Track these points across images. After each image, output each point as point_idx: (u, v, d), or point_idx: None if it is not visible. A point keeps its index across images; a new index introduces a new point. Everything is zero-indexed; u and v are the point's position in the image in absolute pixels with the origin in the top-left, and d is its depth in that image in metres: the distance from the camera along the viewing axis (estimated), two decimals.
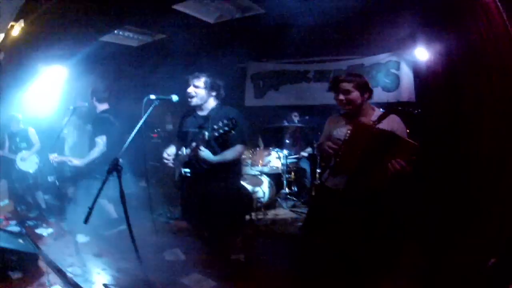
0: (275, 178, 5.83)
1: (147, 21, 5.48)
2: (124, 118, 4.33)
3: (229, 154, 3.08)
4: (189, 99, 3.17)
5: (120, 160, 2.55)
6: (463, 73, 3.87)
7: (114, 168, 2.52)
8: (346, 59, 6.83)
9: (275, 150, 5.88)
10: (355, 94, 2.66)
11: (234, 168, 3.41)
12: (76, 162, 4.22)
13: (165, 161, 3.30)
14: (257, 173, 5.59)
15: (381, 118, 2.67)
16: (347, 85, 2.67)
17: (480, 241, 2.83)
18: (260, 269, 3.40)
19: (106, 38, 5.86)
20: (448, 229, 3.43)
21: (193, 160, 3.06)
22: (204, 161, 2.94)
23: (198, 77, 3.17)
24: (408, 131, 2.71)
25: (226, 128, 2.67)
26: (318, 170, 5.66)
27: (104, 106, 4.37)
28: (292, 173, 6.07)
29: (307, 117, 6.39)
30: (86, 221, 2.42)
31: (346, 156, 2.57)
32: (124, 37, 6.05)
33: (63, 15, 4.42)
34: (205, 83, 3.16)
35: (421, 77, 5.78)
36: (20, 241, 3.44)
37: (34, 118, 5.51)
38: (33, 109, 5.51)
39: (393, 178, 2.41)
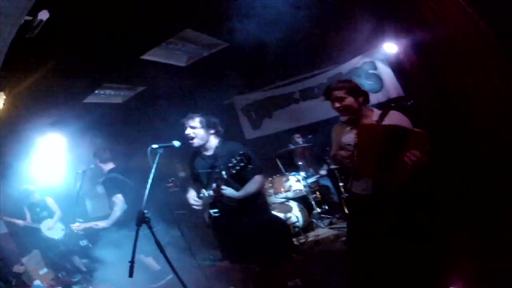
0: (302, 201, 5.83)
1: (122, 75, 5.59)
2: (132, 173, 4.52)
3: (251, 187, 3.08)
4: (190, 141, 3.20)
5: (145, 211, 2.56)
6: (438, 54, 4.15)
7: (142, 220, 2.54)
8: (325, 72, 6.99)
9: (292, 174, 5.92)
10: (349, 100, 2.74)
11: (259, 198, 3.38)
12: (102, 224, 4.33)
13: (194, 206, 3.28)
14: (283, 200, 5.67)
15: (382, 116, 2.73)
16: (339, 93, 2.77)
17: None
18: None
19: (92, 99, 5.94)
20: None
21: (218, 200, 3.07)
22: (229, 199, 2.95)
23: (192, 118, 3.21)
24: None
25: (242, 164, 2.73)
26: (341, 184, 5.60)
27: (109, 166, 4.51)
28: (317, 193, 6.10)
29: (309, 136, 6.49)
30: (131, 274, 2.39)
31: (362, 159, 2.61)
32: (107, 95, 6.15)
33: (44, 85, 4.51)
34: (201, 122, 3.20)
35: (399, 70, 5.94)
36: None
37: (47, 187, 5.60)
38: (43, 179, 5.54)
39: (414, 171, 2.40)
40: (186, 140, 3.21)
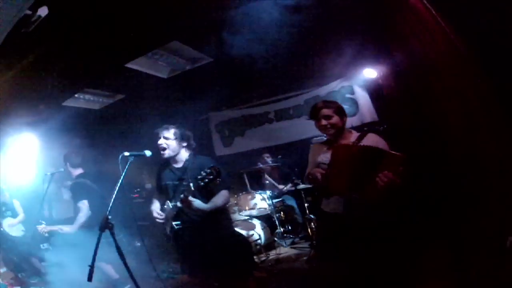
0: (266, 219, 5.83)
1: (105, 81, 5.53)
2: (101, 180, 4.54)
3: (218, 200, 3.08)
4: (162, 152, 3.19)
5: (110, 217, 2.53)
6: (415, 80, 4.17)
7: (106, 225, 2.49)
8: (302, 93, 7.01)
9: (258, 192, 5.91)
10: (336, 119, 2.80)
11: (223, 214, 3.39)
12: (67, 229, 4.25)
13: (158, 219, 3.24)
14: (246, 217, 5.61)
15: (360, 138, 2.76)
16: (327, 111, 2.81)
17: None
18: None
19: (70, 103, 5.86)
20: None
21: (183, 213, 3.07)
22: (197, 210, 2.93)
23: (167, 128, 3.22)
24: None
25: (211, 177, 2.74)
26: (306, 204, 5.65)
27: (78, 171, 4.51)
28: (282, 212, 6.03)
29: (279, 156, 6.40)
30: (89, 278, 2.36)
31: (335, 177, 2.61)
32: (86, 100, 6.08)
33: (23, 84, 4.43)
34: (175, 134, 3.21)
35: (377, 95, 6.04)
36: None
37: (15, 187, 5.49)
38: (13, 179, 5.43)
39: (385, 192, 2.40)
40: (157, 150, 3.22)
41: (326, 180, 2.68)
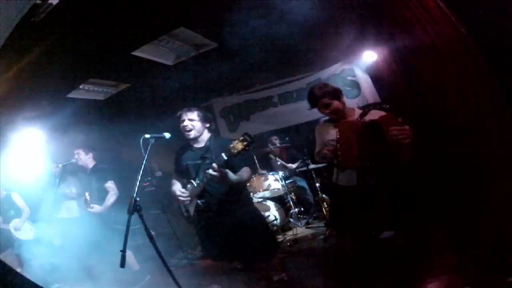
0: (278, 200, 5.90)
1: (111, 70, 5.47)
2: (118, 168, 4.66)
3: (244, 174, 3.11)
4: (187, 133, 3.24)
5: (137, 199, 2.46)
6: (416, 62, 4.24)
7: (134, 208, 2.42)
8: (304, 77, 7.13)
9: (271, 173, 6.01)
10: (336, 103, 2.94)
11: (246, 192, 3.48)
12: (98, 208, 4.38)
13: (181, 198, 3.23)
14: (260, 199, 5.69)
15: (363, 115, 2.86)
16: (325, 100, 2.93)
17: None
18: (306, 284, 3.49)
19: (75, 94, 5.80)
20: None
21: (207, 191, 3.12)
22: (227, 180, 2.91)
23: (191, 110, 3.27)
24: None
25: (246, 143, 2.68)
26: (317, 184, 5.84)
27: (91, 161, 4.72)
28: (293, 193, 6.12)
29: (287, 138, 6.58)
30: (122, 264, 2.29)
31: (344, 152, 2.75)
32: (90, 91, 6.01)
33: (31, 74, 4.37)
34: (199, 115, 3.26)
35: (378, 77, 6.12)
36: None
37: (18, 183, 5.16)
38: (16, 174, 5.09)
39: (407, 143, 2.50)
40: (182, 132, 3.27)
41: (337, 156, 2.82)
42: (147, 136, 2.88)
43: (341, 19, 4.90)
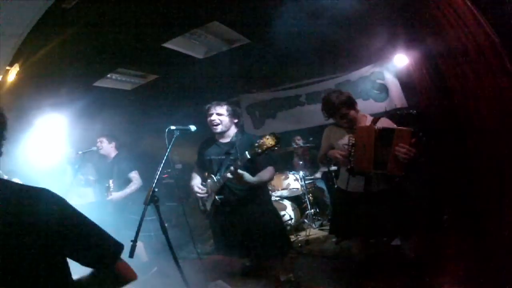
0: (295, 200, 5.86)
1: (141, 61, 5.54)
2: (140, 159, 4.65)
3: (265, 175, 3.09)
4: (214, 127, 3.22)
5: (156, 190, 2.41)
6: (447, 68, 4.12)
7: (152, 199, 2.36)
8: (333, 78, 7.04)
9: (292, 172, 6.00)
10: (352, 113, 3.01)
11: (266, 191, 3.48)
12: (117, 194, 4.36)
13: (198, 194, 3.28)
14: (277, 198, 5.66)
15: (374, 121, 3.03)
16: (344, 110, 2.98)
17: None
18: (313, 286, 3.48)
19: (102, 83, 5.89)
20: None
21: (226, 187, 3.10)
22: (244, 183, 2.90)
23: (220, 104, 3.23)
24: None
25: (271, 143, 2.63)
26: (336, 186, 5.69)
27: (114, 151, 4.72)
28: (311, 194, 6.10)
29: (311, 139, 6.49)
30: (131, 254, 2.19)
31: (360, 156, 2.85)
32: (117, 81, 6.08)
33: (59, 60, 4.43)
34: (228, 110, 3.23)
35: (407, 81, 5.97)
36: None
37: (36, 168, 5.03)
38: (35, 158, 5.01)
39: (405, 162, 2.64)
40: (209, 126, 3.26)
41: (349, 160, 2.90)
42: (172, 127, 2.83)
43: (373, 20, 4.81)
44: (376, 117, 3.08)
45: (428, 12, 3.93)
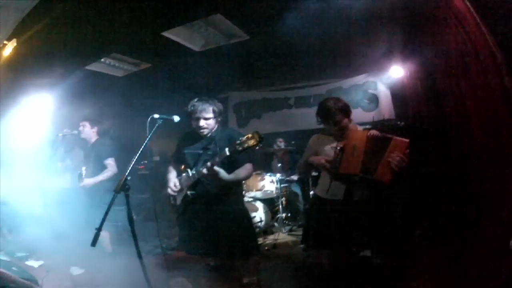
0: (268, 203, 5.76)
1: (138, 48, 5.45)
2: (121, 148, 4.54)
3: (241, 173, 2.99)
4: (201, 131, 3.05)
5: (129, 178, 2.36)
6: (443, 83, 4.06)
7: (123, 187, 2.31)
8: (325, 83, 7.00)
9: (268, 174, 5.89)
10: (345, 121, 2.89)
11: (239, 190, 3.38)
12: (89, 181, 4.18)
13: (170, 190, 3.16)
14: (250, 199, 5.53)
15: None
16: (339, 117, 2.86)
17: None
18: None
19: (94, 67, 5.77)
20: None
21: (200, 183, 2.99)
22: (219, 180, 2.82)
23: (206, 110, 3.01)
24: None
25: (252, 142, 2.52)
26: (311, 192, 5.56)
27: (95, 136, 4.52)
28: (284, 198, 5.99)
29: (293, 142, 6.34)
30: (94, 243, 2.20)
31: (349, 159, 2.77)
32: (109, 66, 5.98)
33: (55, 37, 4.31)
34: (214, 112, 3.04)
35: (398, 93, 5.95)
36: (14, 268, 3.29)
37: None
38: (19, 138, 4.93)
39: (395, 172, 2.61)
40: (197, 129, 3.07)
41: (336, 163, 2.81)
42: (155, 116, 2.75)
43: (372, 28, 4.74)
44: (367, 130, 2.98)
45: (433, 24, 3.82)
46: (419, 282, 2.98)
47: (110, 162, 4.31)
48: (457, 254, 3.09)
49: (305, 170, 3.38)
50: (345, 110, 2.91)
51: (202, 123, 3.01)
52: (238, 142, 2.57)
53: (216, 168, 2.76)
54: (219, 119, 3.13)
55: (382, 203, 2.96)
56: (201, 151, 3.08)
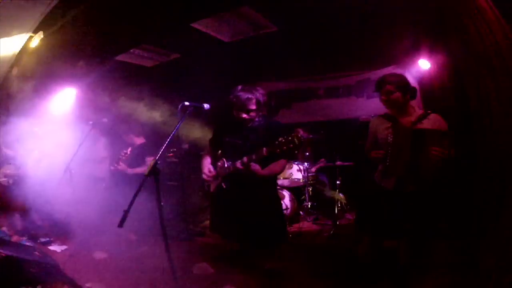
0: (294, 191, 5.77)
1: (167, 39, 5.53)
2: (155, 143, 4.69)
3: (275, 168, 3.01)
4: (243, 121, 3.04)
5: (159, 162, 2.37)
6: (468, 78, 4.03)
7: (153, 170, 2.32)
8: (354, 75, 6.94)
9: (296, 162, 5.90)
10: (397, 95, 2.90)
11: (273, 180, 3.36)
12: (124, 166, 4.50)
13: (205, 175, 3.18)
14: (277, 187, 5.50)
15: (421, 118, 2.89)
16: (390, 87, 2.91)
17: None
18: (295, 278, 3.40)
19: (124, 58, 5.88)
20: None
21: (236, 173, 2.97)
22: (254, 174, 2.85)
23: (251, 100, 2.93)
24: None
25: (291, 145, 2.51)
26: (338, 182, 5.73)
27: (141, 140, 4.73)
28: (311, 187, 6.03)
29: (321, 132, 6.18)
30: (121, 224, 2.21)
31: (394, 159, 2.84)
32: (139, 56, 6.07)
33: (83, 28, 4.40)
34: (257, 103, 2.96)
35: (426, 86, 5.84)
36: (37, 253, 3.32)
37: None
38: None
39: (439, 165, 2.68)
40: (239, 119, 3.05)
41: (385, 161, 2.91)
42: (186, 103, 2.77)
43: (401, 22, 4.77)
44: (425, 113, 2.93)
45: (458, 20, 3.80)
46: (436, 275, 3.00)
47: (149, 159, 4.43)
48: (474, 249, 3.13)
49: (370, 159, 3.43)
50: (400, 84, 2.92)
51: (245, 114, 2.99)
52: (277, 143, 2.56)
53: (252, 164, 2.81)
54: (262, 110, 3.07)
55: (430, 197, 2.92)
56: (240, 141, 3.06)
